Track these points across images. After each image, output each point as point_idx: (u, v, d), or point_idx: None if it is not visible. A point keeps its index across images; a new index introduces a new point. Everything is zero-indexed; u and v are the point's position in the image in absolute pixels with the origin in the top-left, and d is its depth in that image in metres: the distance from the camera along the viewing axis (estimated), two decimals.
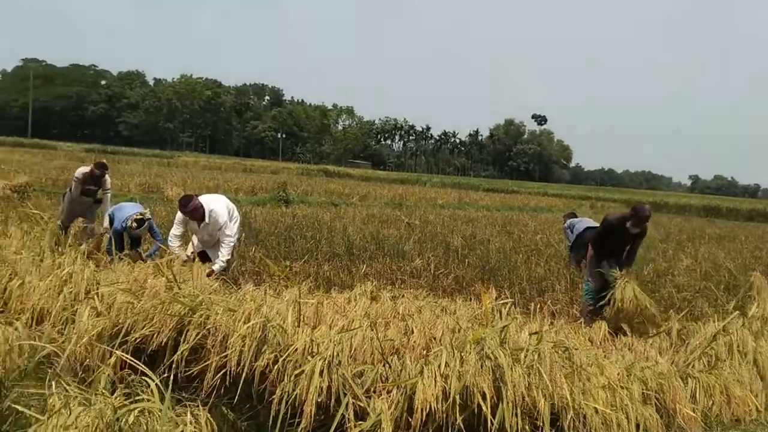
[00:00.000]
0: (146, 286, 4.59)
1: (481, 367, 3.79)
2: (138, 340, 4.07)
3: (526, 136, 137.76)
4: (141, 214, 8.05)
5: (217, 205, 6.93)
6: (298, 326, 4.11)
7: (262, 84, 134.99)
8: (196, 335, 4.00)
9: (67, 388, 3.03)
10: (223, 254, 6.77)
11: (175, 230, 6.99)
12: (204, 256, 7.11)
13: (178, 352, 3.91)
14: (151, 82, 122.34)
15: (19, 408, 3.19)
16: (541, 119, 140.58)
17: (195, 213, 6.76)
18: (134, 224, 7.88)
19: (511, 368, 3.83)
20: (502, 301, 5.15)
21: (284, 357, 3.73)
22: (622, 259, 7.34)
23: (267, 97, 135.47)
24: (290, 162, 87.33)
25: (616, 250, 7.39)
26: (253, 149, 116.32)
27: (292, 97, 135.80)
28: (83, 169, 8.96)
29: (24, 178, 17.09)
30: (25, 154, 36.81)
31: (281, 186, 22.26)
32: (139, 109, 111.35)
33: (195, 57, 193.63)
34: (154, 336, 4.05)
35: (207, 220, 6.80)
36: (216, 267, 6.58)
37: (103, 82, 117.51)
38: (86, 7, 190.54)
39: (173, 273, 4.50)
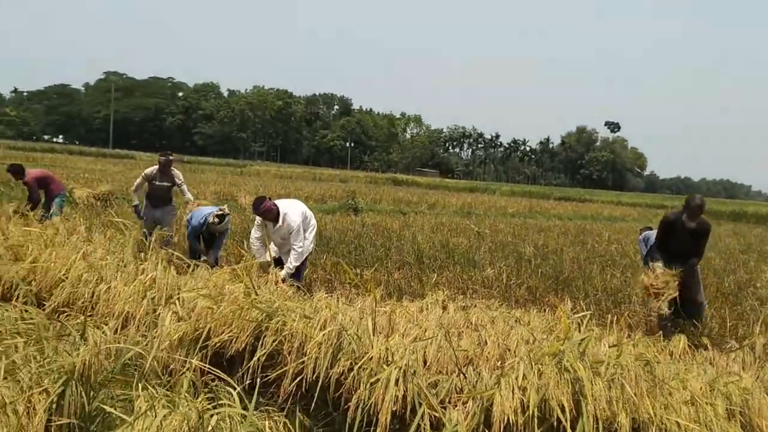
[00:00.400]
0: (225, 292, 4.69)
1: (560, 380, 3.71)
2: (217, 345, 4.16)
3: (598, 143, 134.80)
4: (221, 209, 8.27)
5: (292, 209, 7.00)
6: (373, 334, 4.12)
7: (331, 93, 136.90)
8: (273, 341, 4.06)
9: (152, 390, 3.13)
10: (291, 261, 6.83)
11: (254, 233, 7.17)
12: (280, 263, 7.21)
13: (256, 358, 3.97)
14: (225, 94, 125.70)
15: (107, 409, 3.30)
16: (614, 126, 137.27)
17: (267, 214, 6.86)
18: (216, 219, 8.07)
19: (591, 381, 3.73)
20: (579, 314, 5.02)
21: (360, 365, 3.74)
22: (688, 261, 7.12)
23: (336, 107, 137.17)
24: (358, 170, 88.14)
25: (680, 250, 7.16)
26: (322, 158, 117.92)
27: (360, 106, 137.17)
28: (150, 168, 9.39)
29: (106, 186, 17.78)
30: (107, 163, 38.35)
31: (350, 194, 22.46)
32: (213, 119, 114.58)
33: (266, 68, 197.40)
34: (233, 341, 4.13)
35: (280, 222, 6.87)
36: (282, 273, 6.64)
37: (180, 94, 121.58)
38: (164, 22, 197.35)
39: (251, 279, 4.59)
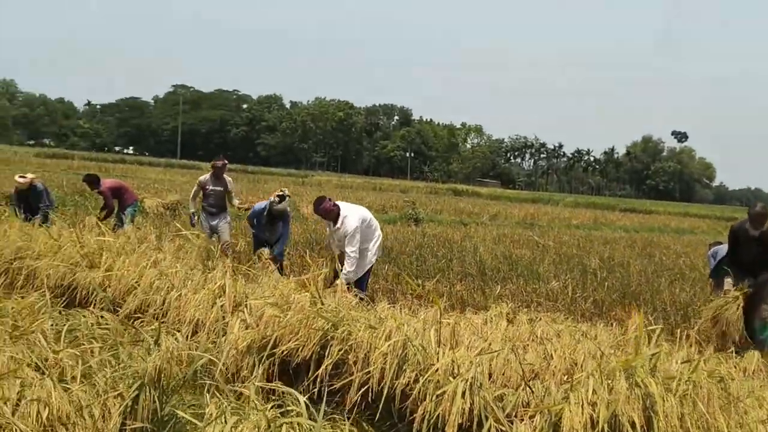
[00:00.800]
0: (291, 301, 4.76)
1: (631, 396, 3.62)
2: (284, 353, 4.21)
3: (665, 153, 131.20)
4: (282, 190, 8.40)
5: (352, 214, 6.95)
6: (438, 346, 4.10)
7: (392, 104, 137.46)
8: (339, 351, 4.09)
9: (222, 397, 3.19)
10: (346, 267, 6.74)
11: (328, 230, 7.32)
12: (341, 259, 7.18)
13: (322, 367, 4.01)
14: (288, 105, 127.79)
15: (180, 414, 3.38)
16: (681, 136, 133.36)
17: (327, 215, 6.91)
18: (276, 198, 8.18)
19: (663, 398, 3.63)
20: (649, 328, 4.89)
21: (426, 376, 3.73)
22: (760, 273, 6.88)
23: (396, 117, 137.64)
24: (418, 181, 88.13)
25: (748, 260, 6.94)
26: (382, 168, 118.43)
27: (420, 117, 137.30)
28: (204, 176, 9.62)
29: (175, 196, 18.33)
30: (175, 174, 39.46)
31: (411, 204, 22.47)
32: (276, 130, 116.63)
33: (328, 80, 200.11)
34: (299, 349, 4.18)
35: (339, 224, 6.87)
36: (339, 281, 6.66)
37: (244, 106, 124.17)
38: (228, 36, 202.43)
39: (317, 288, 4.64)
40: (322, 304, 4.49)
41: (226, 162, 9.77)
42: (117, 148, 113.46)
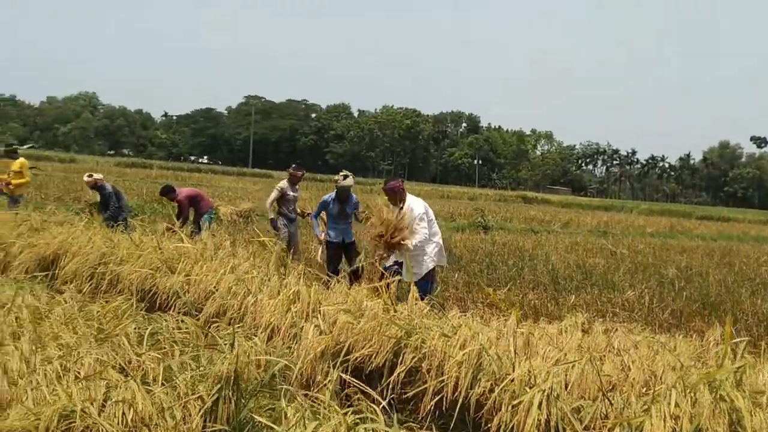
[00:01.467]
0: (363, 308, 4.78)
1: (716, 410, 3.49)
2: (358, 360, 4.24)
3: (743, 159, 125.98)
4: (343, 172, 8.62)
5: (415, 204, 6.96)
6: (514, 356, 4.04)
7: (459, 111, 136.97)
8: (412, 358, 4.08)
9: (300, 401, 3.23)
10: (416, 238, 6.67)
11: None
12: (399, 264, 7.11)
13: (395, 374, 4.01)
14: (356, 114, 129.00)
15: (257, 418, 3.45)
16: (760, 141, 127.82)
17: (392, 193, 6.99)
18: (341, 177, 8.30)
19: (751, 412, 3.48)
20: (734, 340, 4.69)
21: (501, 386, 3.68)
22: None
23: (464, 124, 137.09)
24: (486, 188, 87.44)
25: None
26: (450, 176, 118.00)
27: (489, 124, 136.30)
28: (282, 183, 9.85)
29: (248, 204, 18.75)
30: (247, 182, 40.35)
31: (480, 212, 22.29)
32: (344, 139, 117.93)
33: (396, 87, 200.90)
34: (373, 356, 4.20)
35: (404, 207, 6.85)
36: (408, 243, 6.61)
37: (313, 115, 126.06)
38: (298, 50, 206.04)
39: (390, 295, 4.65)
40: (395, 311, 4.50)
41: (304, 172, 10.09)
42: (192, 158, 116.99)
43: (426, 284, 6.91)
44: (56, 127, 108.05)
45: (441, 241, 7.36)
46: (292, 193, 9.87)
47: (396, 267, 7.00)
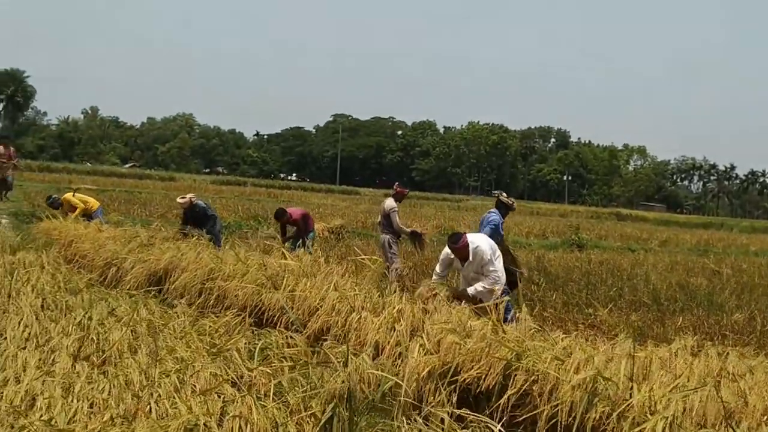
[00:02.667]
0: (468, 327, 4.75)
1: None
2: (466, 381, 4.20)
3: None
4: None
5: (481, 242, 6.83)
6: (631, 380, 3.91)
7: (548, 126, 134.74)
8: (524, 381, 4.01)
9: (417, 422, 3.23)
10: (486, 284, 6.57)
11: (438, 268, 7.05)
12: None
13: (506, 397, 3.95)
14: (441, 130, 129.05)
15: None
16: None
17: (462, 251, 6.73)
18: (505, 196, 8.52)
19: None
20: None
21: (619, 412, 3.56)
22: None
23: (553, 140, 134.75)
24: (576, 204, 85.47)
25: None
26: (538, 192, 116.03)
27: (578, 138, 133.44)
28: (391, 202, 9.95)
29: (339, 220, 19.03)
30: (336, 199, 41.04)
31: (573, 229, 21.79)
32: (430, 155, 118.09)
33: (479, 103, 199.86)
34: (481, 378, 4.15)
35: (471, 258, 6.73)
36: (470, 290, 6.53)
37: (399, 132, 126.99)
38: (385, 66, 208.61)
39: (498, 316, 4.60)
40: (504, 332, 4.44)
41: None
42: (282, 175, 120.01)
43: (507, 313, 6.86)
44: (156, 147, 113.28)
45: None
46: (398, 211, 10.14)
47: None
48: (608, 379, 3.80)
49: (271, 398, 3.96)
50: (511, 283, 7.63)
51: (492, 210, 8.70)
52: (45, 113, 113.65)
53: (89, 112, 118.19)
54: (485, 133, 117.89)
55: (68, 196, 13.43)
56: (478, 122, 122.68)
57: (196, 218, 11.19)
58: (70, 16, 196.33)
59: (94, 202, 13.56)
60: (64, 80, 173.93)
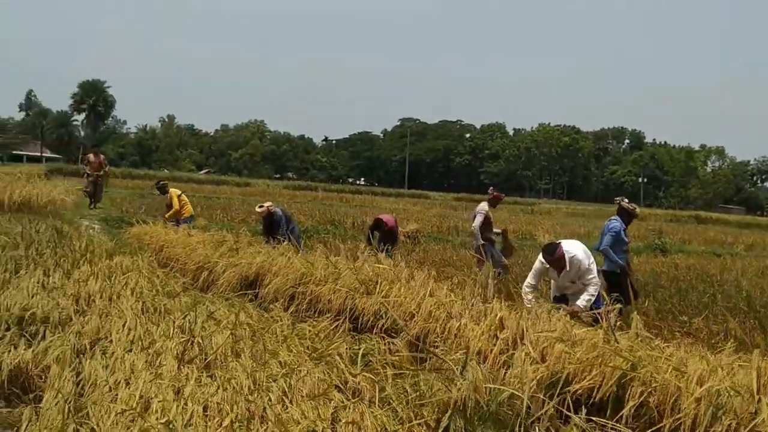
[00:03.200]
0: (573, 335, 4.61)
1: None
2: (578, 391, 4.07)
3: None
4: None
5: (576, 250, 6.65)
6: (758, 392, 3.70)
7: (622, 127, 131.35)
8: (641, 393, 3.85)
9: None
10: (590, 292, 6.44)
11: (531, 280, 6.83)
12: (560, 302, 6.85)
13: (626, 409, 3.80)
14: (511, 133, 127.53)
15: None
16: None
17: (559, 262, 6.56)
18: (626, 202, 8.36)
19: None
20: None
21: (749, 428, 3.38)
22: None
23: (627, 141, 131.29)
24: (653, 207, 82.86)
25: None
26: (612, 194, 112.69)
27: (653, 139, 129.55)
28: (483, 205, 9.79)
29: (414, 225, 18.98)
30: (407, 203, 40.98)
31: (656, 233, 21.11)
32: (499, 158, 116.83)
33: (552, 105, 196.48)
34: (594, 389, 4.01)
35: (567, 267, 6.56)
36: (580, 303, 6.34)
37: (467, 135, 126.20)
38: (451, 70, 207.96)
39: (611, 324, 4.45)
40: (617, 341, 4.29)
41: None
42: (350, 179, 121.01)
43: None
44: (229, 153, 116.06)
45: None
46: (492, 216, 9.90)
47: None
48: (737, 392, 3.60)
49: (377, 405, 3.93)
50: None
51: (614, 217, 8.52)
52: (125, 122, 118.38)
53: (166, 120, 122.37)
54: (556, 135, 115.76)
55: (175, 191, 13.94)
56: (549, 124, 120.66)
57: (275, 225, 11.37)
58: (149, 28, 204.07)
59: (190, 209, 14.05)
60: (142, 89, 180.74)
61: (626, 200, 8.56)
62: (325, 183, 76.21)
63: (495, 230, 10.09)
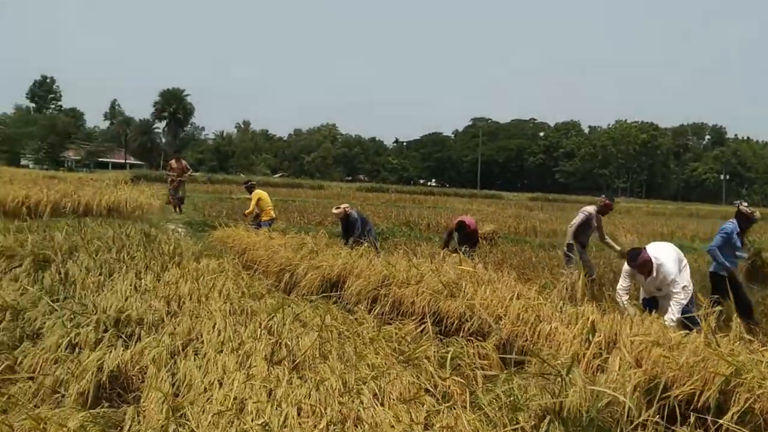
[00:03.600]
0: (670, 339, 4.44)
1: None
2: (678, 397, 3.90)
3: None
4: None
5: (664, 257, 6.48)
6: None
7: (702, 123, 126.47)
8: (746, 399, 3.66)
9: None
10: (674, 311, 6.24)
11: (623, 282, 6.73)
12: (649, 303, 6.69)
13: (728, 415, 3.63)
14: (586, 130, 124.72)
15: None
16: None
17: (643, 267, 6.41)
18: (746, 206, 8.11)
19: None
20: None
21: None
22: None
23: (708, 137, 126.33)
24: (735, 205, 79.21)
25: None
26: (692, 192, 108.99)
27: (735, 135, 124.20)
28: (591, 208, 9.53)
29: (490, 226, 18.76)
30: (480, 204, 40.60)
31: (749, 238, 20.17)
32: (574, 157, 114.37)
33: (629, 101, 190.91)
34: (696, 394, 3.84)
35: (654, 274, 6.38)
36: (667, 319, 6.08)
37: (541, 134, 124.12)
38: (520, 69, 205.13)
39: (712, 328, 4.26)
40: (718, 345, 4.09)
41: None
42: (421, 181, 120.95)
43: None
44: (302, 157, 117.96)
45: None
46: (596, 223, 9.55)
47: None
48: None
49: (468, 409, 3.87)
50: None
51: (731, 219, 8.27)
52: (203, 128, 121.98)
53: (242, 125, 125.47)
54: (634, 132, 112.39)
55: (257, 194, 14.33)
56: (626, 120, 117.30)
57: (352, 227, 11.47)
58: (225, 47, 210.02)
59: (271, 213, 14.37)
60: (219, 96, 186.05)
61: (745, 204, 8.27)
62: (397, 185, 76.39)
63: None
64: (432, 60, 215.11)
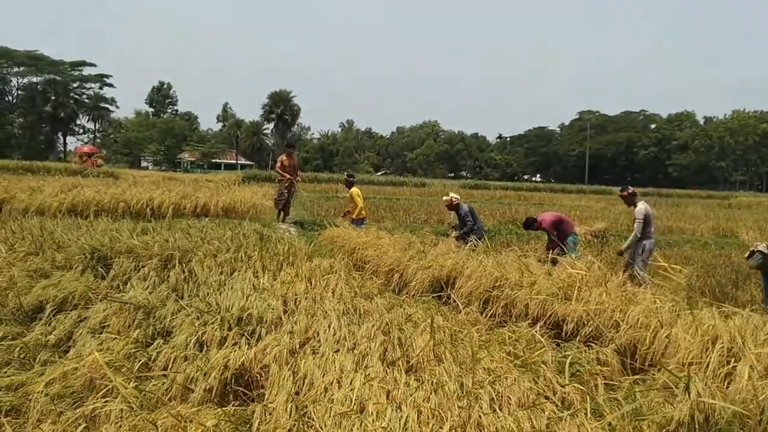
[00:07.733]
0: None
1: None
2: None
3: None
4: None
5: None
6: None
7: None
8: None
9: None
10: None
11: None
12: None
13: None
14: (701, 122, 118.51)
15: None
16: None
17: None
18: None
19: None
20: None
21: None
22: None
23: None
24: None
25: None
26: None
27: None
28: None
29: (601, 223, 18.18)
30: (589, 200, 39.42)
31: None
32: (688, 149, 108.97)
33: (747, 89, 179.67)
34: None
35: None
36: None
37: (652, 126, 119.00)
38: (631, 59, 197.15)
39: None
40: None
41: None
42: (525, 177, 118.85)
43: None
44: (404, 154, 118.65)
45: None
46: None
47: None
48: None
49: (589, 417, 3.79)
50: None
51: None
52: (308, 128, 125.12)
53: (346, 125, 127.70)
54: (753, 122, 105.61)
55: (356, 190, 14.50)
56: (744, 110, 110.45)
57: (461, 220, 11.50)
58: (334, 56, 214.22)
59: (364, 210, 14.54)
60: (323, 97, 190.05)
61: None
62: (500, 181, 75.41)
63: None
64: (539, 52, 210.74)
